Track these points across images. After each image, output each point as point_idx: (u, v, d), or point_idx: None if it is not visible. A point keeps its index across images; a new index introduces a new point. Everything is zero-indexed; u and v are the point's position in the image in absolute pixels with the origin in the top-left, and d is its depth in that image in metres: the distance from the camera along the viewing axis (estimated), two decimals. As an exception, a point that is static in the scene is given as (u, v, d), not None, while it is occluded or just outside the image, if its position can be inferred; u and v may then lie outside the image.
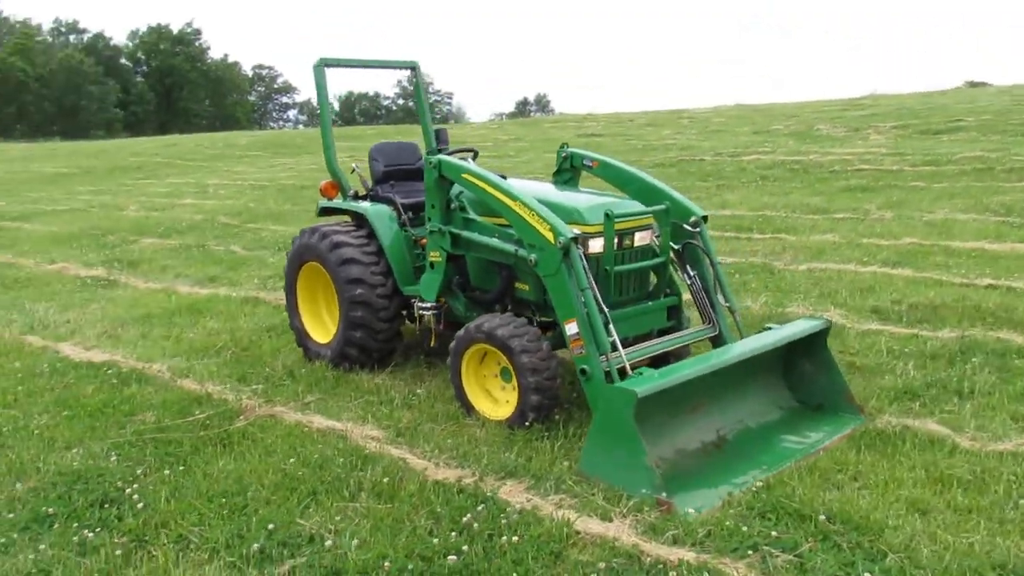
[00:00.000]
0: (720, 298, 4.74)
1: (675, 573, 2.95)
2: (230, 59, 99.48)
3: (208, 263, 9.90)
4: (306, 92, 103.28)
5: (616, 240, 4.42)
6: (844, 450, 3.99)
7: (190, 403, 4.90)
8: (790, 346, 4.59)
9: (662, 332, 4.79)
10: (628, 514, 3.39)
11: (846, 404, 4.52)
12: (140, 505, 3.58)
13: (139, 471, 3.94)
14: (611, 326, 4.09)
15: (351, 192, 5.85)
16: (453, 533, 3.27)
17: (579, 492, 3.60)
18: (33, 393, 5.20)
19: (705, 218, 4.85)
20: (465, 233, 4.87)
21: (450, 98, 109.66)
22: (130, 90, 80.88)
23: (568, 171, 5.47)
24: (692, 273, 4.84)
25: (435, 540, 3.21)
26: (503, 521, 3.34)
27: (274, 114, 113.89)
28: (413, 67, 6.46)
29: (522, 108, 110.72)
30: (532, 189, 4.87)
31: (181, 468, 3.97)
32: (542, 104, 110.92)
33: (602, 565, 3.01)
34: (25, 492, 3.77)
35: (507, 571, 3.00)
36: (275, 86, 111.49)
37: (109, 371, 5.57)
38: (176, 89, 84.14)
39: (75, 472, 3.94)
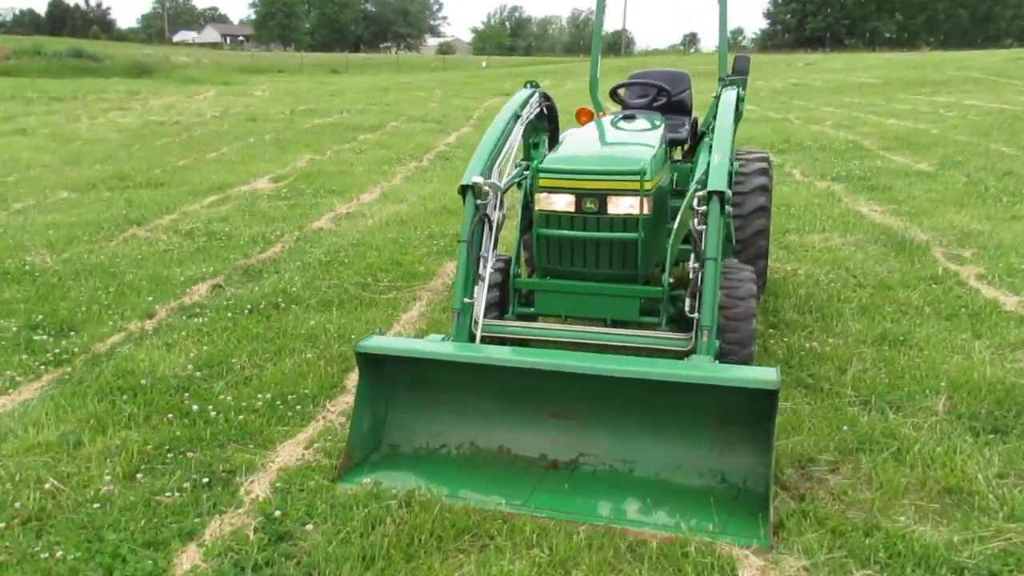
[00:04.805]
0: (696, 302, 3.44)
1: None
2: None
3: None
4: None
5: (575, 201, 3.76)
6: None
7: (413, 276, 6.30)
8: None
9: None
10: (312, 459, 3.51)
11: (761, 515, 2.94)
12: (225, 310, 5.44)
13: (279, 298, 5.69)
14: (478, 288, 3.72)
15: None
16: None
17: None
18: (387, 250, 7.33)
19: (721, 196, 3.47)
20: None
21: None
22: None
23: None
24: (695, 265, 3.59)
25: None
26: (264, 412, 3.94)
27: None
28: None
29: None
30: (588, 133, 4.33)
31: (296, 308, 5.55)
32: None
33: (204, 480, 3.34)
34: (228, 297, 6.00)
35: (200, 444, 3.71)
36: None
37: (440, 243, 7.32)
38: None
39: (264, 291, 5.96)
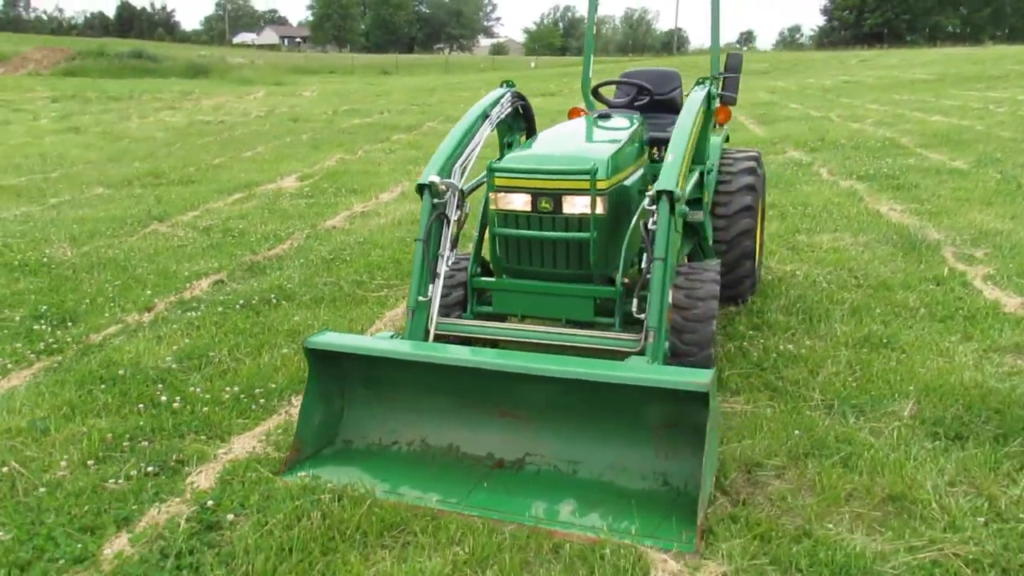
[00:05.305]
0: (644, 303, 3.38)
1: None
2: None
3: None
4: None
5: (531, 200, 3.74)
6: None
7: (408, 274, 6.31)
8: None
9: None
10: (263, 451, 3.56)
11: (688, 519, 2.89)
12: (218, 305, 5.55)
13: (273, 294, 5.78)
14: (432, 286, 3.73)
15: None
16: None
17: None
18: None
19: (669, 195, 3.40)
20: None
21: None
22: None
23: None
24: (646, 265, 3.53)
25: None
26: (229, 405, 4.03)
27: None
28: (710, -19, 5.55)
29: None
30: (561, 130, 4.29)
31: (287, 304, 5.64)
32: None
33: (149, 468, 3.42)
34: (227, 292, 6.12)
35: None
36: None
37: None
38: None
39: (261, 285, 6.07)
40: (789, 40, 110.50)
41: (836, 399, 3.77)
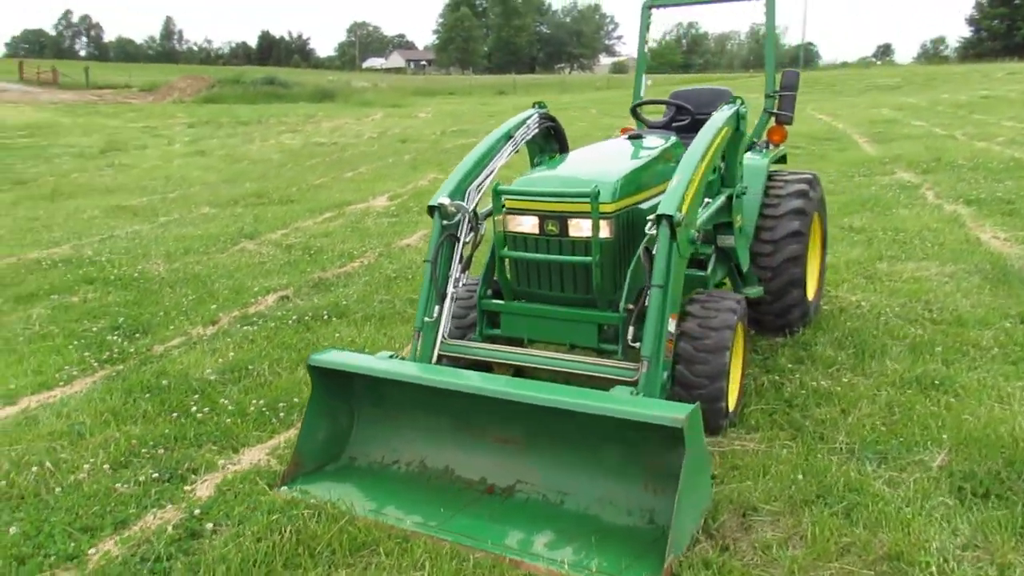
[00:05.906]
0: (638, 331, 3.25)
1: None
2: None
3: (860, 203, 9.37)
4: None
5: (538, 223, 3.69)
6: None
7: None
8: None
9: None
10: (266, 464, 3.66)
11: (660, 561, 2.75)
12: (273, 320, 5.74)
13: (327, 311, 5.95)
14: (438, 307, 3.72)
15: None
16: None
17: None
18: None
19: (669, 219, 3.25)
20: None
21: None
22: None
23: None
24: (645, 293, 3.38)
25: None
26: (253, 416, 4.18)
27: None
28: (764, -3, 5.32)
29: None
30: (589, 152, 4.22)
31: (337, 321, 5.79)
32: None
33: (154, 475, 3.59)
34: (289, 308, 6.34)
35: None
36: None
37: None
38: None
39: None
40: (932, 53, 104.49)
41: (860, 443, 3.48)
